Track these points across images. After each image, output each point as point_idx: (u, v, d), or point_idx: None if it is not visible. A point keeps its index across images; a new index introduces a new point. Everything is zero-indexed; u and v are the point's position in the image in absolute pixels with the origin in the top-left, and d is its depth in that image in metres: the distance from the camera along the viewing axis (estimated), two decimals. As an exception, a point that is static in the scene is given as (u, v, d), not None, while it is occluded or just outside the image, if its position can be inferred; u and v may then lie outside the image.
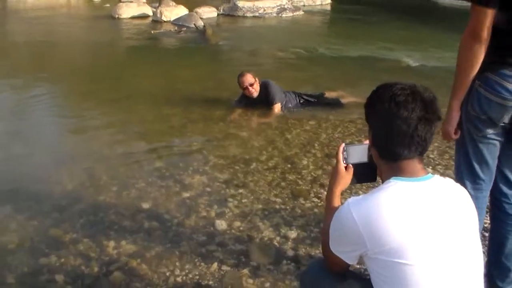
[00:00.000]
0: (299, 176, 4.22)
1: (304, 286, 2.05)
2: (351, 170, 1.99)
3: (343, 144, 2.00)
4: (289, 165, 4.44)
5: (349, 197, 1.69)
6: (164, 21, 12.22)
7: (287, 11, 14.74)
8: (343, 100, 6.30)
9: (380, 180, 2.05)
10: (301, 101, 6.18)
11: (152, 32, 11.01)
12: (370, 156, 2.00)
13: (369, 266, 1.65)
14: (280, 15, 14.49)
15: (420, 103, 1.65)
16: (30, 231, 3.33)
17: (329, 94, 6.43)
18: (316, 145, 4.95)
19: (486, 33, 2.20)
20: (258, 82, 5.96)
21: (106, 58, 9.28)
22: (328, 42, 10.92)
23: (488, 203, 2.60)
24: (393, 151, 1.68)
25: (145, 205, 3.67)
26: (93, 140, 5.04)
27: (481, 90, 2.29)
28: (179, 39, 10.61)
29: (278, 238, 3.26)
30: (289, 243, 3.20)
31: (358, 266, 2.63)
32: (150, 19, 12.69)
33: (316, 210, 3.65)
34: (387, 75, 8.11)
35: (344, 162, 1.98)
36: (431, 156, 4.54)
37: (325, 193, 3.86)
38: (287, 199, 3.81)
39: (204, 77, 7.76)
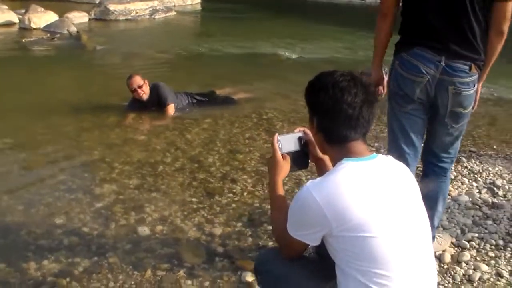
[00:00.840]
0: (209, 174, 4.23)
1: (261, 276, 2.08)
2: (288, 158, 2.07)
3: (277, 135, 2.07)
4: (196, 165, 4.43)
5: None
6: (34, 28, 11.44)
7: (160, 12, 14.54)
8: (234, 96, 6.40)
9: (314, 167, 2.16)
10: (193, 101, 6.17)
11: (23, 40, 10.27)
12: (301, 144, 2.10)
13: (332, 244, 1.72)
14: (152, 17, 14.25)
15: (361, 87, 1.77)
16: None
17: (220, 92, 6.49)
18: (217, 142, 4.99)
19: (386, 7, 2.55)
20: (147, 84, 5.86)
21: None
22: (206, 41, 10.98)
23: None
24: (341, 134, 1.78)
25: (59, 221, 3.46)
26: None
27: (397, 68, 2.54)
28: (54, 47, 10.02)
29: (204, 237, 3.26)
30: (216, 240, 3.22)
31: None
32: (17, 26, 11.81)
33: (233, 205, 3.70)
34: (270, 69, 8.44)
35: (280, 151, 2.05)
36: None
37: (238, 188, 3.98)
38: (202, 198, 3.81)
39: (87, 83, 7.44)
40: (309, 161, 2.17)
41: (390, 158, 1.85)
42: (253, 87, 7.00)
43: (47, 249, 3.13)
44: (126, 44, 10.66)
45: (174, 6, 16.30)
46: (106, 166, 4.40)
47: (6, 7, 12.98)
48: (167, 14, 14.75)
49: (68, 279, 2.83)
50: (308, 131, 2.10)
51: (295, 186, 3.94)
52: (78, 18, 12.75)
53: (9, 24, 11.98)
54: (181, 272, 2.86)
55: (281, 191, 2.05)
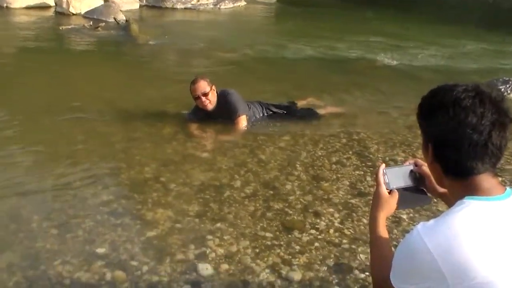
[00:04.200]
0: (287, 205, 4.26)
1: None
2: (395, 194, 2.08)
3: (382, 167, 2.12)
4: (271, 192, 4.47)
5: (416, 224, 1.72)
6: (73, 14, 11.97)
7: (226, 1, 14.94)
8: (319, 110, 6.41)
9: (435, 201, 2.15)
10: (268, 114, 6.23)
11: (61, 28, 10.75)
12: (415, 179, 2.12)
13: None
14: (217, 6, 14.65)
15: (490, 105, 1.72)
16: None
17: (301, 104, 6.53)
18: (297, 165, 5.02)
19: None
20: (214, 91, 5.91)
21: (4, 62, 8.96)
22: (282, 39, 11.15)
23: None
24: (464, 165, 1.75)
25: (101, 250, 3.58)
26: (11, 168, 4.84)
27: None
28: (98, 37, 10.45)
29: (279, 281, 3.29)
30: (295, 286, 3.25)
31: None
32: (53, 10, 12.34)
33: (316, 244, 3.71)
34: (361, 78, 8.45)
35: (386, 187, 2.08)
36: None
37: (322, 223, 3.99)
38: (278, 233, 3.85)
39: (138, 85, 7.71)
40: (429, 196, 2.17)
41: None
42: (341, 99, 7.04)
43: (86, 285, 3.23)
44: (185, 39, 10.98)
45: (245, -5, 16.69)
46: (160, 186, 4.52)
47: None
48: (235, 4, 15.13)
49: (112, 322, 2.91)
50: (421, 162, 2.10)
51: (394, 226, 3.90)
52: (127, 4, 13.27)
53: (42, 7, 12.51)
54: (252, 324, 2.90)
55: (383, 231, 2.06)
